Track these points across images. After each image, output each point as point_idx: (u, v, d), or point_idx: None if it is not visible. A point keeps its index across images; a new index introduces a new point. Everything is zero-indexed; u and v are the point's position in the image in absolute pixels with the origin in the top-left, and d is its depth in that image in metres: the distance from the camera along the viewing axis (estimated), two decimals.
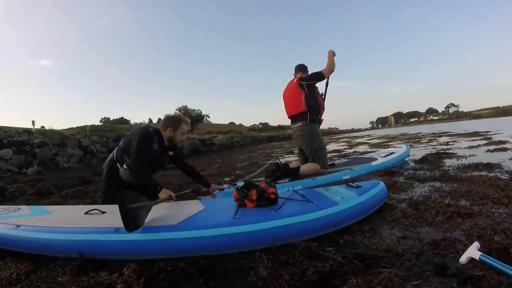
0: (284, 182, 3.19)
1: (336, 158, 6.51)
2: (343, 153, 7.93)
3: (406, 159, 4.81)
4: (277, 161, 3.70)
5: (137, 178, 2.38)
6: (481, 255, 1.22)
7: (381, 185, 2.27)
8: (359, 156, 5.33)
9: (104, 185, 2.62)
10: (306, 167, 3.55)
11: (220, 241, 1.60)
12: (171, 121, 2.52)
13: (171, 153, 2.63)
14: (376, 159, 4.34)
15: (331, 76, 3.80)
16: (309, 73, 3.83)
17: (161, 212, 1.95)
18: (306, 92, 3.63)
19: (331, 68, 3.68)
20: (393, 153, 4.78)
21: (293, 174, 3.46)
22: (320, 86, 3.84)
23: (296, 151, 10.30)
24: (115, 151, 2.56)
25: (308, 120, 3.66)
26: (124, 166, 2.44)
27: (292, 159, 7.45)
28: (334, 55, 3.73)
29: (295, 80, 3.77)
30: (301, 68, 3.89)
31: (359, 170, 3.68)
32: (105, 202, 2.54)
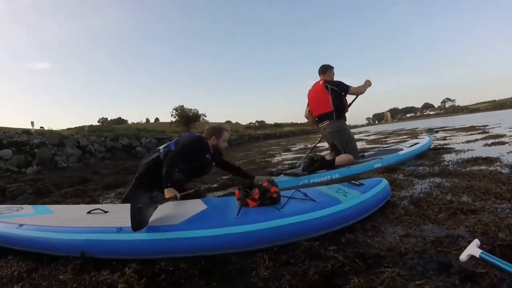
0: (322, 172, 3.47)
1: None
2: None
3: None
4: (312, 155, 4.06)
5: (165, 172, 2.39)
6: (481, 252, 1.20)
7: (384, 182, 2.24)
8: (385, 148, 5.59)
9: (140, 182, 2.69)
10: (340, 159, 3.81)
11: (223, 240, 1.58)
12: (214, 131, 2.85)
13: (213, 163, 2.93)
14: (402, 149, 4.58)
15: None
16: (333, 73, 4.17)
17: (163, 211, 1.94)
18: (332, 94, 3.91)
19: (359, 90, 4.00)
20: (417, 143, 5.05)
21: (329, 165, 3.70)
22: None
23: (293, 149, 10.40)
24: (162, 153, 2.68)
25: (335, 118, 3.95)
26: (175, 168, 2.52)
27: (289, 157, 7.44)
28: (369, 86, 4.06)
29: (321, 82, 4.04)
30: (323, 70, 4.17)
31: (388, 159, 3.94)
32: None
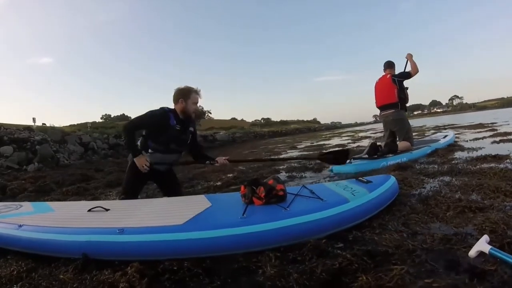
0: (390, 156, 4.04)
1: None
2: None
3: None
4: (375, 141, 4.48)
5: (124, 131, 2.49)
6: (490, 248, 1.19)
7: (392, 179, 2.20)
8: (421, 139, 6.45)
9: (130, 176, 2.62)
10: (402, 145, 4.40)
11: (228, 241, 1.53)
12: (181, 92, 2.56)
13: (191, 129, 2.70)
14: (439, 140, 5.47)
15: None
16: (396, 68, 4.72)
17: (166, 209, 1.90)
18: (398, 86, 4.45)
19: (415, 70, 4.41)
20: (447, 135, 6.07)
21: (394, 150, 4.24)
22: None
23: (299, 146, 10.36)
24: (139, 142, 2.60)
25: (400, 108, 4.51)
26: (150, 150, 2.52)
27: (295, 154, 7.41)
28: (411, 57, 4.48)
29: (388, 76, 4.57)
30: (389, 65, 4.73)
31: (434, 146, 4.75)
32: (129, 193, 2.55)
